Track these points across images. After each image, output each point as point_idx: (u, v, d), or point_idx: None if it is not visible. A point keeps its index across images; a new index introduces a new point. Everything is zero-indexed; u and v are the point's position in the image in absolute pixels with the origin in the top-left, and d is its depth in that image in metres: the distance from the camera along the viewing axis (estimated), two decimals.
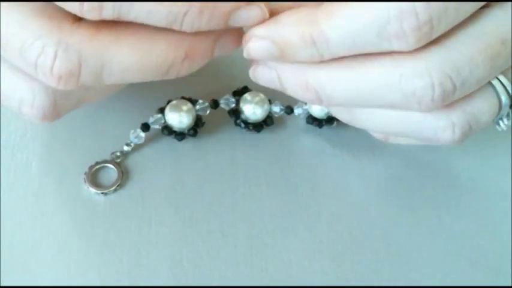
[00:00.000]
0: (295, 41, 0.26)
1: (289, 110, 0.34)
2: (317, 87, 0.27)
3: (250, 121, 0.34)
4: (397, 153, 0.34)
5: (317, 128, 0.34)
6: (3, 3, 0.25)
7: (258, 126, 0.34)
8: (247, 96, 0.34)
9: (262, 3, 0.26)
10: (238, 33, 0.28)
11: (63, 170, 0.33)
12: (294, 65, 0.27)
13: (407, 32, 0.24)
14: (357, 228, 0.31)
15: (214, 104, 0.34)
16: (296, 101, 0.34)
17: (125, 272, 0.30)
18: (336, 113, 0.30)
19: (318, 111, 0.34)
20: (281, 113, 0.34)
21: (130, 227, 0.31)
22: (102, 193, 0.32)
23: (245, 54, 0.27)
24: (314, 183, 0.33)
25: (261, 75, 0.28)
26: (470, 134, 0.27)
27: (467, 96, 0.26)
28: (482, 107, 0.27)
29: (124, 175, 0.33)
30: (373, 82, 0.26)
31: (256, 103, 0.34)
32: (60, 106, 0.27)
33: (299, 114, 0.34)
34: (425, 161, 0.34)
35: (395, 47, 0.24)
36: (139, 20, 0.25)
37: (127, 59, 0.26)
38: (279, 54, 0.26)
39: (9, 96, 0.27)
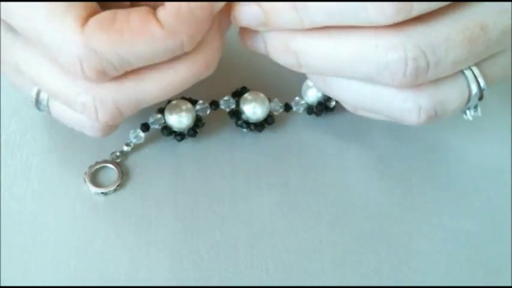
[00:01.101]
0: (279, 6, 0.26)
1: (288, 108, 0.34)
2: (297, 51, 0.27)
3: (251, 121, 0.34)
4: (397, 153, 0.34)
5: (317, 128, 0.34)
6: None
7: (259, 126, 0.34)
8: (247, 96, 0.34)
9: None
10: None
11: (63, 170, 0.33)
12: (278, 31, 0.27)
13: (385, 3, 0.24)
14: (357, 228, 0.31)
15: (214, 105, 0.34)
16: (292, 98, 0.34)
17: (124, 272, 0.30)
18: (313, 81, 0.31)
19: (312, 97, 0.34)
20: (280, 110, 0.34)
21: (130, 227, 0.31)
22: (102, 193, 0.32)
23: (232, 20, 0.28)
24: (314, 183, 0.33)
25: (251, 41, 0.29)
26: (436, 120, 0.28)
27: (437, 82, 0.27)
28: (451, 95, 0.27)
29: (124, 175, 0.33)
30: (349, 51, 0.26)
31: (256, 103, 0.34)
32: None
33: (297, 109, 0.34)
34: (426, 161, 0.34)
35: (373, 18, 0.25)
36: (144, 64, 0.27)
37: (155, 88, 0.27)
38: (264, 20, 0.27)
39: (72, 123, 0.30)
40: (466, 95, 0.27)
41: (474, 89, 0.27)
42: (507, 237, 0.31)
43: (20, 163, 0.33)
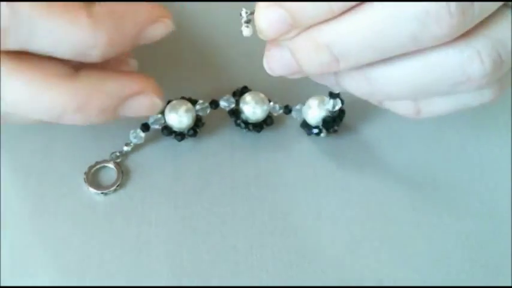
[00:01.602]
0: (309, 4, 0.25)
1: (288, 110, 0.34)
2: (328, 42, 0.25)
3: (250, 121, 0.34)
4: (397, 152, 0.34)
5: None
6: None
7: (258, 126, 0.34)
8: (247, 96, 0.34)
9: None
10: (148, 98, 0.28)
11: (63, 170, 0.33)
12: (303, 33, 0.26)
13: None
14: (357, 228, 0.31)
15: (214, 105, 0.34)
16: (295, 102, 0.34)
17: (124, 272, 0.30)
18: (355, 87, 0.28)
19: (314, 119, 0.33)
20: (280, 111, 0.34)
21: (130, 227, 0.31)
22: (102, 193, 0.32)
23: (260, 34, 0.26)
24: (314, 183, 0.33)
25: (275, 61, 0.28)
26: (504, 67, 0.26)
27: (488, 23, 0.25)
28: (507, 31, 0.25)
29: (124, 175, 0.33)
30: (380, 18, 0.24)
31: (256, 103, 0.34)
32: None
33: (297, 116, 0.34)
34: (426, 161, 0.34)
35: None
36: (44, 51, 0.25)
37: (18, 93, 0.25)
38: (292, 20, 0.25)
39: None
40: None
41: None
42: (507, 237, 0.31)
43: (20, 163, 0.33)
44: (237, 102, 0.34)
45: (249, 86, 0.34)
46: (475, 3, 0.24)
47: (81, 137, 0.34)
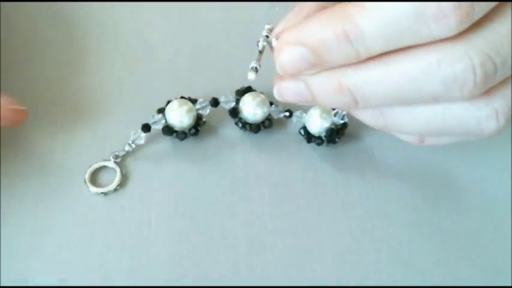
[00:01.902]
0: (329, 40, 0.24)
1: (289, 114, 0.34)
2: (351, 87, 0.25)
3: (249, 121, 0.34)
4: (397, 153, 0.34)
5: None
6: None
7: (255, 128, 0.34)
8: (248, 96, 0.34)
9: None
10: None
11: (63, 170, 0.33)
12: (324, 71, 0.26)
13: (447, 12, 0.22)
14: (357, 228, 0.31)
15: (214, 103, 0.34)
16: (297, 106, 0.34)
17: (124, 272, 0.30)
18: (368, 120, 0.28)
19: (316, 128, 0.33)
20: (280, 115, 0.34)
21: (130, 227, 0.31)
22: (102, 193, 0.32)
23: (279, 69, 0.26)
24: (314, 183, 0.33)
25: (287, 90, 0.27)
26: None
27: (505, 82, 0.25)
28: None
29: (124, 175, 0.33)
30: (409, 73, 0.24)
31: (257, 104, 0.33)
32: None
33: (298, 120, 0.34)
34: (425, 161, 0.34)
35: (436, 32, 0.23)
36: None
37: None
38: (315, 60, 0.25)
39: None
40: None
41: None
42: (507, 237, 0.31)
43: (20, 163, 0.33)
44: (238, 102, 0.34)
45: (253, 87, 0.34)
46: (499, 71, 0.24)
47: (81, 137, 0.34)
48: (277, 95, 0.28)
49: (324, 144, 0.33)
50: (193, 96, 0.34)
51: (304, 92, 0.27)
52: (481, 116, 0.26)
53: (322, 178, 0.33)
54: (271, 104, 0.34)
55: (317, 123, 0.33)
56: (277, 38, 0.26)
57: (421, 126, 0.27)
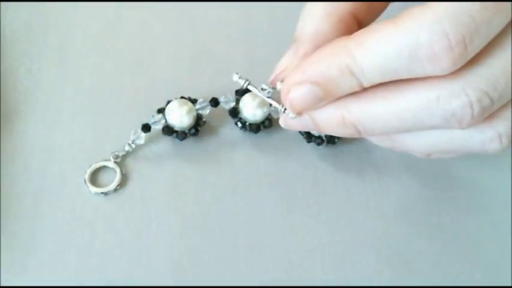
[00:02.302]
0: (334, 74, 0.25)
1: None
2: (354, 121, 0.27)
3: (249, 121, 0.34)
4: (398, 153, 0.34)
5: None
6: None
7: (255, 128, 0.34)
8: (248, 96, 0.34)
9: None
10: None
11: (63, 170, 0.33)
12: (329, 106, 0.27)
13: (440, 55, 0.23)
14: (357, 228, 0.31)
15: (214, 103, 0.34)
16: None
17: (124, 272, 0.30)
18: (377, 142, 0.30)
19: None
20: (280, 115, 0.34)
21: (130, 227, 0.31)
22: (102, 193, 0.32)
23: (289, 109, 0.28)
24: (314, 183, 0.33)
25: (293, 122, 0.29)
26: None
27: (506, 105, 0.26)
28: None
29: (124, 175, 0.33)
30: (410, 108, 0.25)
31: (257, 104, 0.33)
32: None
33: None
34: (425, 161, 0.34)
35: (429, 71, 0.24)
36: None
37: None
38: (323, 94, 0.26)
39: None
40: None
41: None
42: (507, 237, 0.31)
43: (21, 163, 0.33)
44: (238, 102, 0.34)
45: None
46: (495, 104, 0.25)
47: (81, 137, 0.34)
48: (283, 125, 0.30)
49: (324, 144, 0.33)
50: (193, 96, 0.34)
51: (309, 124, 0.28)
52: (485, 139, 0.27)
53: (322, 178, 0.33)
54: (270, 104, 0.34)
55: None
56: (281, 81, 0.28)
57: (427, 148, 0.28)
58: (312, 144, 0.34)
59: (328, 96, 0.26)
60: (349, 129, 0.27)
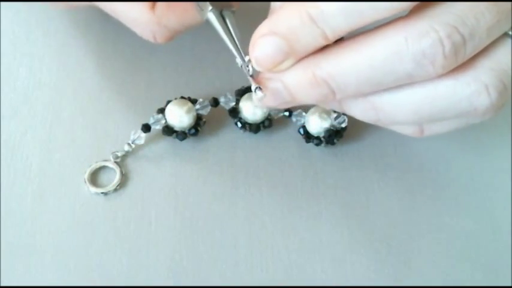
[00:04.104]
0: (296, 24, 0.25)
1: (289, 114, 0.34)
2: (326, 77, 0.26)
3: (249, 121, 0.34)
4: (397, 153, 0.34)
5: None
6: None
7: (255, 128, 0.34)
8: (247, 96, 0.34)
9: None
10: None
11: (63, 170, 0.33)
12: (296, 66, 0.26)
13: None
14: (357, 228, 0.31)
15: (215, 102, 0.34)
16: (297, 106, 0.34)
17: (124, 272, 0.30)
18: (360, 114, 0.28)
19: (315, 127, 0.33)
20: (280, 115, 0.34)
21: (130, 227, 0.31)
22: (102, 193, 0.32)
23: (256, 65, 0.27)
24: (314, 183, 0.33)
25: (267, 98, 0.28)
26: (507, 94, 0.26)
27: (490, 53, 0.25)
28: (510, 60, 0.26)
29: (124, 175, 0.33)
30: (379, 55, 0.25)
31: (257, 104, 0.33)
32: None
33: (297, 120, 0.34)
34: (426, 161, 0.34)
35: (396, 4, 0.23)
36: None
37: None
38: (287, 47, 0.26)
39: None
40: None
41: None
42: (507, 237, 0.31)
43: (20, 163, 0.33)
44: (238, 102, 0.34)
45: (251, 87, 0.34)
46: (468, 43, 0.24)
47: (81, 137, 0.34)
48: (257, 102, 0.28)
49: (323, 144, 0.33)
50: (193, 96, 0.34)
51: (282, 91, 0.27)
52: (471, 92, 0.25)
53: (322, 178, 0.33)
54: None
55: (316, 123, 0.33)
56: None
57: (413, 113, 0.27)
58: (311, 144, 0.34)
59: (292, 49, 0.26)
60: (322, 89, 0.26)
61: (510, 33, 0.26)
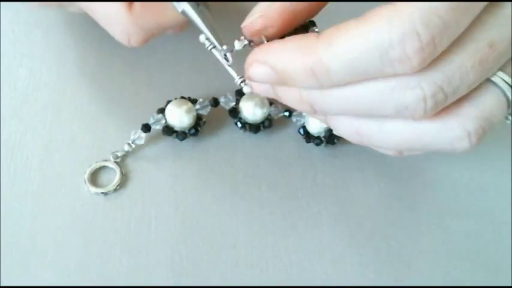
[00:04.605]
0: (295, 71, 0.25)
1: (289, 114, 0.34)
2: (311, 101, 0.27)
3: (249, 121, 0.34)
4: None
5: None
6: None
7: (255, 128, 0.34)
8: (247, 96, 0.34)
9: None
10: None
11: (63, 170, 0.33)
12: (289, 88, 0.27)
13: (411, 55, 0.23)
14: (357, 228, 0.31)
15: (215, 102, 0.34)
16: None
17: (124, 272, 0.30)
18: (344, 135, 0.29)
19: (315, 127, 0.33)
20: (280, 115, 0.34)
21: (130, 227, 0.31)
22: (102, 193, 0.32)
23: (246, 77, 0.28)
24: (314, 183, 0.33)
25: (256, 87, 0.28)
26: (484, 137, 0.27)
27: (474, 100, 0.26)
28: (493, 109, 0.26)
29: (124, 175, 0.33)
30: (364, 96, 0.25)
31: (256, 104, 0.33)
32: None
33: (297, 120, 0.34)
34: (425, 162, 0.34)
35: (399, 70, 0.24)
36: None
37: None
38: (280, 81, 0.26)
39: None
40: (505, 103, 0.26)
41: (510, 94, 0.26)
42: (507, 237, 0.31)
43: (20, 163, 0.33)
44: (238, 102, 0.34)
45: None
46: (449, 98, 0.25)
47: (81, 137, 0.34)
48: (246, 90, 0.29)
49: (323, 144, 0.33)
50: (193, 96, 0.34)
51: (270, 93, 0.28)
52: (454, 136, 0.26)
53: (322, 178, 0.33)
54: (270, 104, 0.34)
55: (316, 123, 0.33)
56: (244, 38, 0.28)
57: (395, 144, 0.28)
58: (311, 144, 0.34)
59: (284, 84, 0.26)
60: (306, 107, 0.27)
61: (493, 79, 0.26)
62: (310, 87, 0.26)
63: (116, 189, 0.32)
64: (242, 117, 0.34)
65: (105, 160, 0.33)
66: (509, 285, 0.30)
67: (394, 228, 0.32)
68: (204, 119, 0.34)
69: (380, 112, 0.26)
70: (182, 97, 0.34)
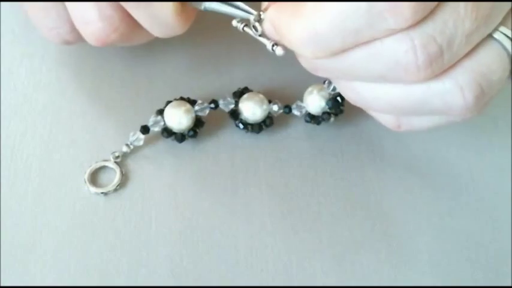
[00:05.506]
0: (296, 41, 0.25)
1: (288, 110, 0.34)
2: (312, 67, 0.27)
3: (249, 121, 0.34)
4: (397, 153, 0.34)
5: (316, 128, 0.34)
6: None
7: (257, 127, 0.34)
8: (246, 96, 0.34)
9: None
10: None
11: (63, 170, 0.33)
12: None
13: (402, 6, 0.22)
14: (357, 228, 0.31)
15: (214, 104, 0.34)
16: (294, 101, 0.34)
17: (125, 272, 0.30)
18: (342, 92, 0.29)
19: (315, 107, 0.33)
20: (280, 112, 0.34)
21: (131, 227, 0.31)
22: (102, 193, 0.32)
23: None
24: (314, 183, 0.33)
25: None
26: (486, 98, 0.25)
27: (470, 53, 0.24)
28: (491, 63, 0.24)
29: (124, 175, 0.33)
30: (357, 56, 0.25)
31: (255, 103, 0.33)
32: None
33: (298, 112, 0.34)
34: (426, 161, 0.34)
35: (392, 23, 0.23)
36: None
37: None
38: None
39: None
40: (507, 59, 0.24)
41: (509, 45, 0.24)
42: (507, 237, 0.31)
43: (20, 163, 0.33)
44: (237, 103, 0.34)
45: (249, 87, 0.35)
46: (445, 53, 0.23)
47: (81, 137, 0.34)
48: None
49: (332, 119, 0.33)
50: (192, 97, 0.34)
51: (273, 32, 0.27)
52: (444, 90, 0.24)
53: (322, 178, 0.33)
54: (269, 102, 0.34)
55: (315, 100, 0.33)
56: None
57: (388, 105, 0.26)
58: (311, 144, 0.34)
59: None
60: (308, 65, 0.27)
61: (495, 36, 0.25)
62: (312, 57, 0.25)
63: (116, 189, 0.32)
64: (243, 118, 0.34)
65: (105, 160, 0.33)
66: (509, 285, 0.30)
67: (394, 228, 0.32)
68: (203, 120, 0.34)
69: (373, 71, 0.25)
70: (181, 98, 0.34)
